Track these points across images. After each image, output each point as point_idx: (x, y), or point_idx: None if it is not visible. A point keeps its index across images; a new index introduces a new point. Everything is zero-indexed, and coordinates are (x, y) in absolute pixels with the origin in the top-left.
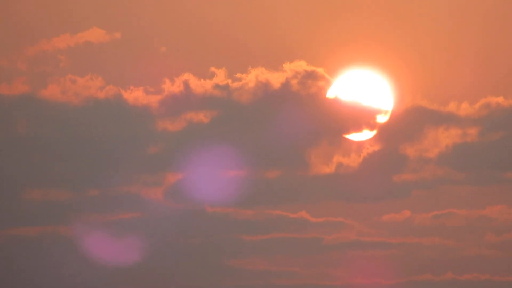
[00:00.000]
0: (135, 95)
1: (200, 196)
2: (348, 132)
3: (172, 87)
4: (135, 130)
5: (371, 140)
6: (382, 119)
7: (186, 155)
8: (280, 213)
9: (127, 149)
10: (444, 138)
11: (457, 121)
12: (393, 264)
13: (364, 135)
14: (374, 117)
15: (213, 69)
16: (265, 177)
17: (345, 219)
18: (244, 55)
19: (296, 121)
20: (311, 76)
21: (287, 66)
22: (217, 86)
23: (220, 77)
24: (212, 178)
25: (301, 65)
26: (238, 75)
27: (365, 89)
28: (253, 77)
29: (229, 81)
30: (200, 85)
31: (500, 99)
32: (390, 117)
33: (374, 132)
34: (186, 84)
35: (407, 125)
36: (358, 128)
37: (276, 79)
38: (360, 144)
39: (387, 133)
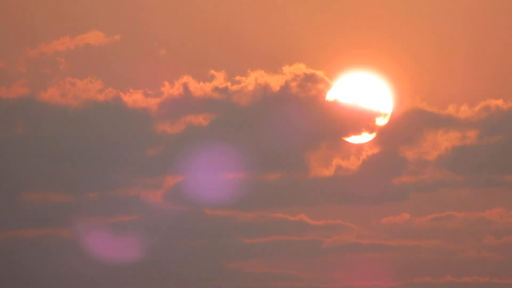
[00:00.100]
0: (134, 98)
1: (199, 199)
2: (347, 135)
3: (172, 89)
4: (135, 132)
5: (370, 143)
6: (381, 122)
7: (186, 158)
8: (279, 216)
9: (126, 151)
10: (443, 141)
11: (456, 123)
12: (392, 266)
13: (364, 138)
14: (373, 120)
15: (212, 72)
16: (264, 180)
17: (344, 222)
18: (244, 58)
19: (295, 124)
20: (310, 79)
21: (286, 69)
22: (216, 88)
23: (220, 80)
24: (211, 181)
25: (301, 68)
26: (238, 77)
27: (364, 92)
28: (252, 80)
29: (229, 83)
30: (199, 88)
31: (499, 102)
32: (390, 120)
33: (373, 135)
34: (185, 86)
35: (406, 128)
36: (357, 131)
37: (275, 82)
38: (359, 147)
39: (386, 135)
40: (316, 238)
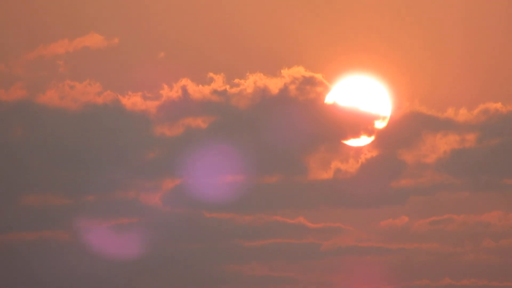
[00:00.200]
0: (133, 101)
1: (198, 201)
2: (346, 137)
3: (170, 92)
4: (133, 135)
5: (369, 146)
6: (380, 125)
7: (184, 161)
8: (278, 219)
9: (125, 154)
10: (442, 144)
11: (455, 127)
12: (391, 269)
13: (362, 141)
14: (372, 123)
15: (211, 74)
16: (263, 183)
17: (343, 225)
18: (242, 61)
19: (294, 127)
20: (309, 81)
21: (285, 71)
22: (215, 91)
23: (218, 82)
24: (210, 184)
25: (299, 71)
26: (236, 80)
27: (363, 95)
28: (251, 82)
29: (227, 86)
30: (198, 91)
31: (498, 105)
32: (388, 123)
33: (372, 138)
34: (184, 89)
35: (405, 131)
36: (356, 134)
37: (274, 85)
38: (358, 150)
39: (385, 139)
40: (315, 241)
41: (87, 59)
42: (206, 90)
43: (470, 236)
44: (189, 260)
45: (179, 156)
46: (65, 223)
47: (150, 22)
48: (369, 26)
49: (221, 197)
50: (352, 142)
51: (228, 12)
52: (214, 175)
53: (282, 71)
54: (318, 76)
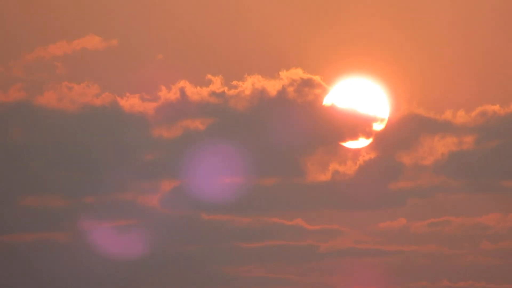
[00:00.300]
0: (131, 102)
1: (196, 203)
2: (344, 140)
3: (169, 94)
4: (131, 137)
5: (367, 148)
6: (378, 127)
7: (183, 162)
8: (276, 221)
9: (123, 156)
10: (440, 146)
11: (453, 129)
12: (389, 271)
13: (360, 143)
14: (370, 125)
15: (209, 76)
16: (261, 184)
17: (341, 227)
18: (241, 63)
19: (292, 129)
20: (307, 84)
21: (283, 73)
22: (213, 93)
23: (217, 84)
24: (208, 186)
25: (298, 73)
26: (235, 82)
27: (361, 97)
28: (249, 84)
29: (226, 88)
30: (196, 93)
31: (496, 108)
32: (386, 125)
33: (370, 140)
34: (182, 91)
35: (403, 133)
36: (354, 136)
37: (272, 87)
38: (356, 152)
39: (383, 141)
40: (312, 243)
41: (85, 61)
42: (204, 92)
43: (468, 238)
44: (187, 262)
45: (177, 158)
46: (64, 224)
47: (148, 24)
48: (367, 28)
49: (219, 199)
50: (350, 144)
51: (226, 14)
52: (212, 177)
53: (280, 73)
54: (316, 78)
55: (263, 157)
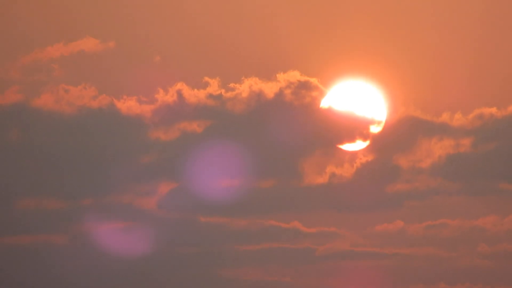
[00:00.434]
0: (128, 105)
1: (193, 206)
2: (341, 142)
3: (166, 96)
4: (129, 139)
5: (364, 151)
6: (375, 129)
7: (179, 165)
8: (273, 223)
9: (120, 158)
10: (437, 149)
11: (450, 131)
12: (386, 274)
13: (358, 145)
14: (367, 128)
15: (206, 78)
16: (258, 187)
17: (338, 229)
18: (238, 65)
19: (289, 131)
20: (304, 86)
21: (280, 76)
22: (210, 95)
23: (214, 86)
24: (205, 188)
25: (295, 75)
26: (232, 85)
27: (358, 99)
28: (246, 87)
29: (223, 90)
30: (193, 95)
31: (493, 110)
32: (384, 128)
33: (367, 143)
34: (179, 93)
35: (400, 136)
36: (351, 138)
37: (269, 89)
38: (353, 154)
39: (380, 143)
40: (309, 246)
41: (82, 63)
42: (201, 94)
43: (465, 241)
44: (184, 264)
45: (174, 160)
46: (61, 226)
47: (145, 26)
48: (364, 31)
49: (216, 201)
50: (347, 147)
51: (223, 16)
52: (209, 179)
53: (277, 75)
54: (314, 81)
55: (260, 159)
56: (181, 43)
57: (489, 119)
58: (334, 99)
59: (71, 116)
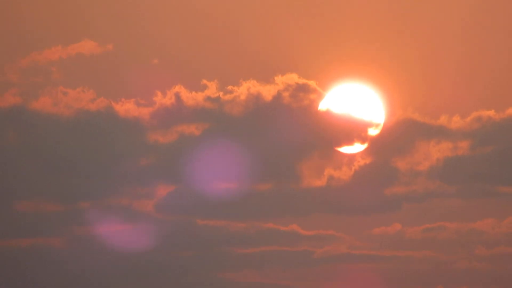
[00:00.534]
0: (126, 107)
1: (191, 209)
2: (339, 145)
3: (164, 99)
4: (127, 142)
5: (362, 153)
6: (373, 132)
7: (177, 168)
8: (271, 226)
9: (118, 161)
10: (435, 152)
11: (448, 134)
12: (384, 277)
13: (356, 148)
14: (365, 130)
15: (204, 81)
16: (256, 190)
17: (336, 232)
18: (236, 68)
19: (287, 134)
20: (302, 89)
21: (278, 78)
22: (208, 98)
23: (212, 89)
24: (203, 191)
25: (293, 78)
26: (230, 87)
27: (356, 102)
28: (244, 89)
29: (221, 93)
30: (191, 98)
31: (491, 113)
32: (382, 130)
33: (365, 145)
34: (177, 96)
35: (398, 138)
36: (349, 141)
37: (267, 92)
38: (351, 157)
39: (378, 146)
40: (307, 249)
41: (80, 66)
42: (199, 97)
43: (463, 244)
44: (182, 267)
45: (172, 163)
46: (58, 229)
47: (143, 28)
48: (362, 34)
49: (214, 204)
50: (345, 149)
51: (221, 19)
52: (207, 182)
53: (275, 78)
54: (312, 83)
55: (258, 162)
56: (179, 46)
57: (487, 122)
58: (332, 102)
59: (69, 119)
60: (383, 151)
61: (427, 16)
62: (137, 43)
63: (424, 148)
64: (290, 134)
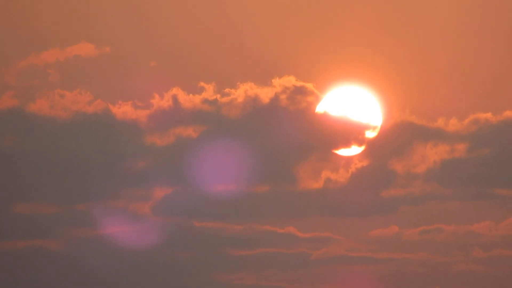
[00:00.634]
0: (123, 110)
1: (188, 211)
2: (336, 147)
3: (161, 101)
4: (124, 144)
5: (359, 156)
6: (370, 134)
7: (175, 170)
8: (268, 228)
9: (115, 163)
10: (432, 154)
11: (445, 137)
12: (381, 279)
13: (353, 151)
14: (362, 133)
15: (202, 84)
16: (253, 192)
17: (333, 234)
18: (233, 70)
19: (285, 136)
20: (300, 91)
21: (276, 81)
22: (206, 101)
23: (209, 92)
24: (200, 193)
25: (290, 80)
26: (227, 90)
27: (354, 104)
28: (242, 92)
29: (218, 96)
30: (189, 100)
31: (488, 115)
32: (379, 133)
33: (362, 148)
34: (175, 98)
35: (395, 141)
36: (346, 143)
37: (265, 94)
38: (348, 160)
39: (375, 148)
40: (304, 251)
41: (78, 68)
42: (197, 99)
43: (460, 246)
44: (179, 269)
45: (169, 165)
46: (56, 231)
47: (141, 31)
48: (360, 36)
49: (211, 206)
50: (342, 152)
51: (219, 21)
52: (204, 184)
53: (273, 80)
54: (309, 86)
55: (255, 164)
56: (176, 48)
57: (484, 125)
58: (329, 105)
59: (66, 121)
60: (381, 153)
61: (424, 19)
62: (135, 46)
63: (421, 151)
64: (287, 137)
